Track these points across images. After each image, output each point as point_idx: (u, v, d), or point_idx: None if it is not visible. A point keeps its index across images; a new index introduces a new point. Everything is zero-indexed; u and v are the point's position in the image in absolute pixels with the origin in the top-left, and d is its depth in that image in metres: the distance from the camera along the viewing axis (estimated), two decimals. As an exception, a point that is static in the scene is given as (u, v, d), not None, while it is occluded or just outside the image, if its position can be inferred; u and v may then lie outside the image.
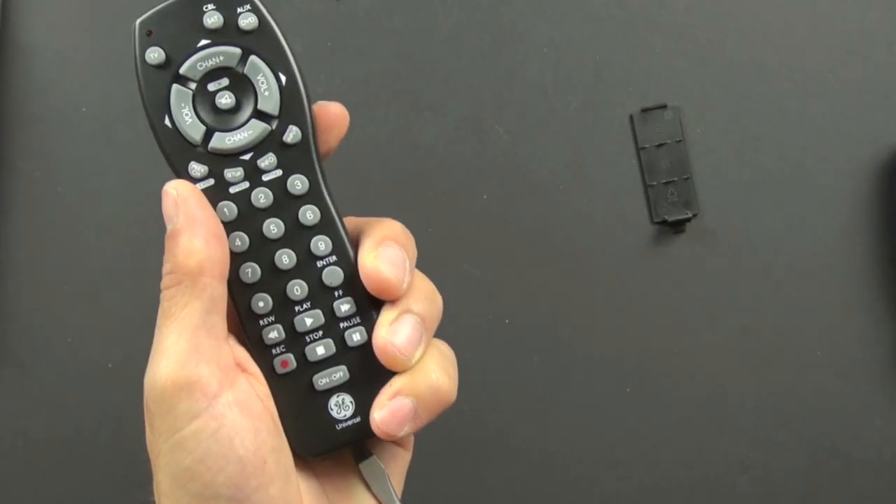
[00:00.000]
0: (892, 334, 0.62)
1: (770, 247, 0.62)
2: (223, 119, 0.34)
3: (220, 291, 0.33)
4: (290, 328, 0.35)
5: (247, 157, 0.34)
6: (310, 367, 0.35)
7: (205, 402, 0.32)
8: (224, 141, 0.34)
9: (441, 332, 0.36)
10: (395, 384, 0.34)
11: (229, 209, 0.34)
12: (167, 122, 0.34)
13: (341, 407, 0.35)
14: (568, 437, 0.62)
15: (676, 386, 0.62)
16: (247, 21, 0.34)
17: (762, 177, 0.62)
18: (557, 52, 0.63)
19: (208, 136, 0.34)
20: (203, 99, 0.34)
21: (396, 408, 0.34)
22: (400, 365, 0.34)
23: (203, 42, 0.34)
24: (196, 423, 0.32)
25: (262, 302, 0.35)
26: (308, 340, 0.35)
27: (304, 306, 0.35)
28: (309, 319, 0.35)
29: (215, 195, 0.34)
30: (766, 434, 0.62)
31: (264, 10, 0.34)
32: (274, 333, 0.35)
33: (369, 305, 0.35)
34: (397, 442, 0.38)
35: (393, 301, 0.35)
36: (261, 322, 0.35)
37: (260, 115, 0.34)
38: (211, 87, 0.34)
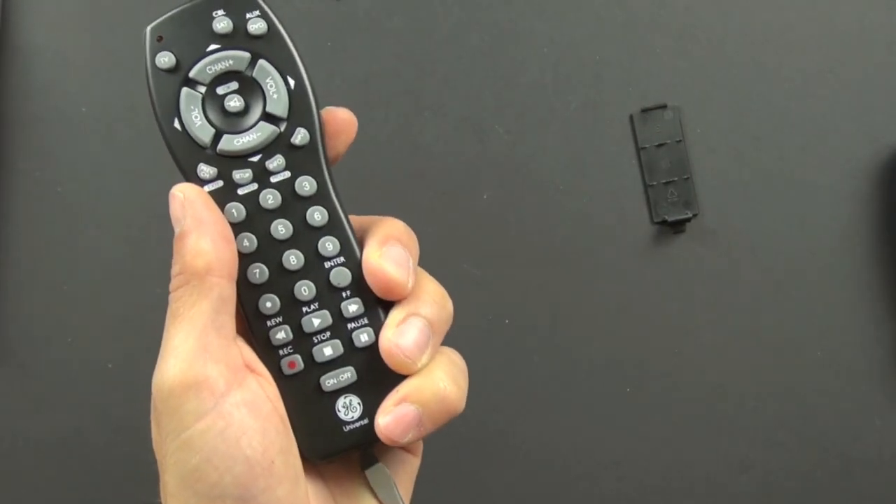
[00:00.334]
0: (892, 334, 0.62)
1: (770, 247, 0.62)
2: (232, 122, 0.35)
3: (229, 291, 0.33)
4: (297, 329, 0.35)
5: (255, 158, 0.34)
6: (317, 368, 0.35)
7: (212, 402, 0.32)
8: (233, 143, 0.34)
9: (442, 334, 0.36)
10: (401, 390, 0.34)
11: (237, 210, 0.34)
12: (176, 124, 0.34)
13: (349, 408, 0.35)
14: (568, 437, 0.62)
15: (676, 386, 0.62)
16: (256, 26, 0.34)
17: (762, 177, 0.62)
18: (557, 52, 0.63)
19: (217, 138, 0.34)
20: (212, 102, 0.34)
21: (401, 414, 0.34)
22: (405, 368, 0.34)
23: (213, 46, 0.34)
24: (203, 422, 0.32)
25: (270, 302, 0.35)
26: (315, 341, 0.35)
27: (312, 307, 0.35)
28: (316, 320, 0.35)
29: (224, 197, 0.34)
30: (766, 434, 0.62)
31: (273, 16, 0.35)
32: (281, 334, 0.35)
33: (377, 306, 0.35)
34: (405, 447, 0.38)
35: (399, 301, 0.35)
36: (268, 323, 0.35)
37: (268, 117, 0.35)
38: (220, 90, 0.34)
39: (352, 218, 0.36)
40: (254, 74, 0.34)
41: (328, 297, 0.35)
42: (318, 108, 0.35)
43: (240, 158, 0.34)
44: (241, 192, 0.34)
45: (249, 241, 0.35)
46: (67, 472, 0.62)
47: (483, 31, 0.63)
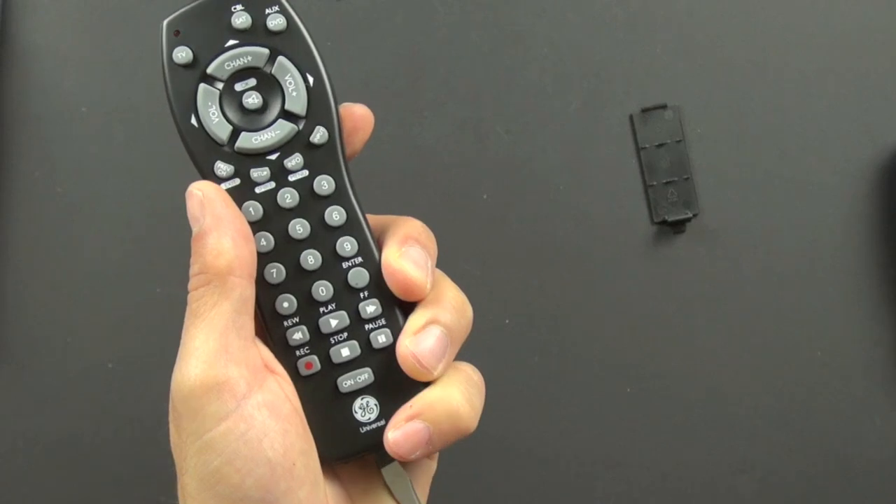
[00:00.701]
0: (892, 334, 0.62)
1: (770, 247, 0.62)
2: (250, 119, 0.34)
3: (249, 292, 0.33)
4: (314, 329, 0.35)
5: (273, 157, 0.34)
6: (334, 369, 0.35)
7: (233, 404, 0.32)
8: (251, 140, 0.34)
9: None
10: (415, 405, 0.34)
11: (255, 209, 0.34)
12: (193, 121, 0.34)
13: (366, 410, 0.35)
14: (568, 437, 0.62)
15: (676, 386, 0.62)
16: (275, 22, 0.34)
17: (762, 177, 0.62)
18: (557, 52, 0.63)
19: (235, 135, 0.34)
20: (230, 99, 0.34)
21: (411, 432, 0.33)
22: (421, 376, 0.34)
23: (231, 42, 0.34)
24: (225, 424, 0.31)
25: (287, 303, 0.35)
26: (333, 342, 0.35)
27: (330, 307, 0.35)
28: (334, 321, 0.35)
29: (241, 195, 0.34)
30: (766, 434, 0.62)
31: (292, 12, 0.34)
32: (298, 335, 0.35)
33: (395, 307, 0.35)
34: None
35: (418, 302, 0.34)
36: (285, 323, 0.35)
37: (287, 115, 0.34)
38: (238, 86, 0.34)
39: (368, 217, 0.36)
40: (272, 71, 0.34)
41: (346, 297, 0.35)
42: (338, 107, 0.35)
43: (257, 156, 0.34)
44: (258, 190, 0.34)
45: (266, 241, 0.34)
46: (67, 472, 0.61)
47: (483, 31, 0.63)
